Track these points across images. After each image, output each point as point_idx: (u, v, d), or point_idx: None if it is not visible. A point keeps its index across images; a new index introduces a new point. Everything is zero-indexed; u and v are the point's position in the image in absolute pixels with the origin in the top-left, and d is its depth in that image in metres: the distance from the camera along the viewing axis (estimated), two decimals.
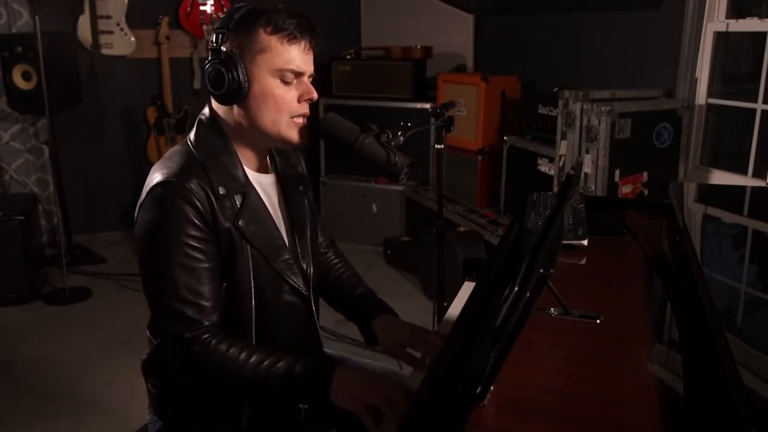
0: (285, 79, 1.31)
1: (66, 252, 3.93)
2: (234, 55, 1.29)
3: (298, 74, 1.33)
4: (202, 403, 1.42)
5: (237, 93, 1.30)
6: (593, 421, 1.00)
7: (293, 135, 1.36)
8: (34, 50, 3.54)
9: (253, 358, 1.27)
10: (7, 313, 3.55)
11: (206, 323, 1.28)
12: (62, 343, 3.23)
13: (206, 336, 1.28)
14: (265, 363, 1.27)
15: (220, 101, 1.33)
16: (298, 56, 1.31)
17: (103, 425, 2.58)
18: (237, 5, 1.33)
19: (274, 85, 1.31)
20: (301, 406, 1.41)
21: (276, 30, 1.29)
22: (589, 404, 1.04)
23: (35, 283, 3.74)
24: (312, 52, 1.34)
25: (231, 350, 1.28)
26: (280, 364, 1.27)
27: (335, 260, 1.67)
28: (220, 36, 1.29)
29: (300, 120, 1.36)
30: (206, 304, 1.29)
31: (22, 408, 2.70)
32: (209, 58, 1.30)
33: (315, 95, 1.36)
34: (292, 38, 1.30)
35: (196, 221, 1.27)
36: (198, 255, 1.28)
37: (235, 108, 1.34)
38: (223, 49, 1.29)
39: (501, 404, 1.03)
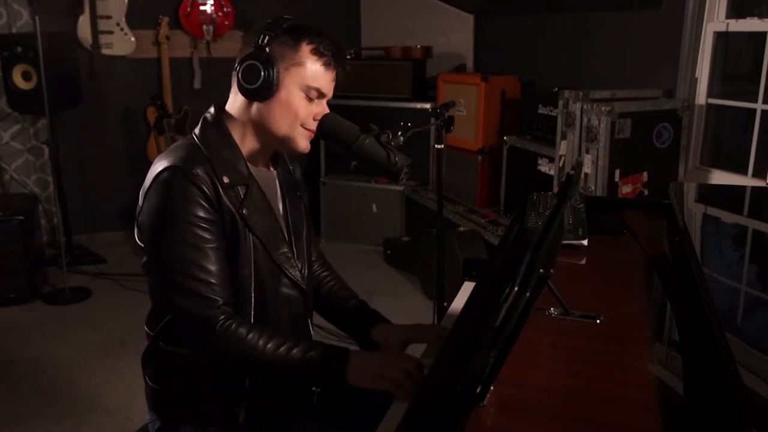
0: (309, 95, 1.39)
1: (66, 252, 3.94)
2: (274, 58, 1.35)
3: (321, 95, 1.41)
4: (199, 397, 1.44)
5: (264, 92, 1.36)
6: (593, 421, 1.00)
7: (302, 143, 1.44)
8: (34, 50, 3.54)
9: (270, 344, 1.31)
10: (7, 313, 3.55)
11: (221, 301, 1.32)
12: (62, 343, 3.23)
13: (224, 317, 1.31)
14: (282, 348, 1.31)
15: (246, 95, 1.38)
16: (327, 81, 1.40)
17: (103, 425, 2.58)
18: (283, 16, 1.39)
19: (298, 97, 1.39)
20: (313, 389, 1.46)
21: (317, 52, 1.37)
22: (589, 404, 1.04)
23: (35, 283, 3.74)
24: (336, 80, 1.44)
25: (251, 335, 1.31)
26: (296, 349, 1.31)
27: (325, 273, 1.71)
28: (267, 38, 1.35)
29: (310, 131, 1.44)
30: (215, 282, 1.32)
31: (22, 408, 2.70)
32: (252, 53, 1.35)
33: None
34: (328, 64, 1.39)
35: (203, 203, 1.32)
36: (206, 235, 1.32)
37: (255, 105, 1.39)
38: (267, 49, 1.35)
39: (501, 404, 1.03)
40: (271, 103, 1.38)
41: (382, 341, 1.54)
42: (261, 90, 1.35)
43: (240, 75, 1.36)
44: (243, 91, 1.37)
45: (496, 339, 1.01)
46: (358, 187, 4.50)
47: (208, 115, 1.44)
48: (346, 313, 1.63)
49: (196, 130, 1.42)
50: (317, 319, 1.66)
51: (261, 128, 1.41)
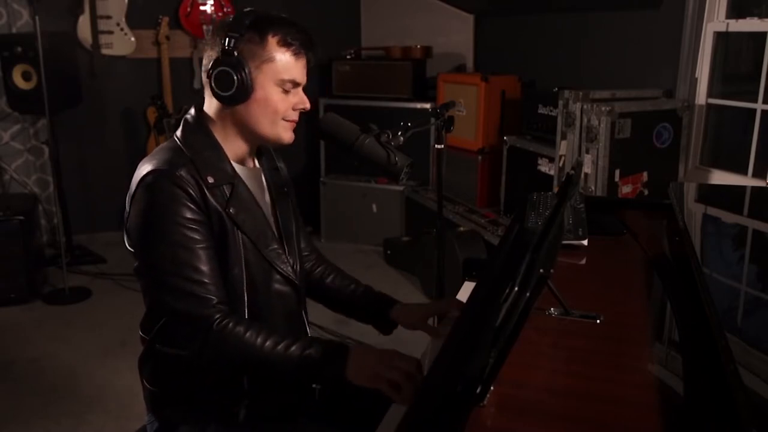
0: (285, 87, 1.38)
1: (66, 252, 3.94)
2: (243, 60, 1.34)
3: (297, 85, 1.40)
4: (197, 397, 1.44)
5: (241, 96, 1.35)
6: (593, 421, 1.00)
7: (286, 135, 1.43)
8: (34, 50, 3.54)
9: (268, 342, 1.30)
10: (7, 313, 3.55)
11: (215, 300, 1.31)
12: (62, 343, 3.23)
13: (220, 316, 1.30)
14: (281, 346, 1.30)
15: (223, 102, 1.37)
16: (299, 69, 1.39)
17: (103, 425, 2.58)
18: (245, 10, 1.37)
19: (275, 92, 1.38)
20: (314, 386, 1.48)
21: (284, 43, 1.36)
22: (589, 404, 1.04)
23: (35, 283, 3.74)
24: (308, 66, 1.42)
25: (248, 333, 1.30)
26: (294, 347, 1.30)
27: (322, 266, 1.71)
28: (233, 40, 1.33)
29: (292, 122, 1.43)
30: (209, 281, 1.32)
31: (22, 408, 2.70)
32: (220, 58, 1.34)
33: (308, 105, 1.43)
34: (297, 53, 1.37)
35: (189, 204, 1.32)
36: (195, 236, 1.32)
37: (233, 109, 1.38)
38: (235, 53, 1.33)
39: (501, 404, 1.03)
40: (249, 104, 1.37)
41: (402, 320, 1.59)
42: (237, 95, 1.35)
43: (213, 83, 1.35)
44: (219, 98, 1.36)
45: (496, 339, 1.01)
46: (358, 187, 4.50)
47: (188, 116, 1.44)
48: (356, 302, 1.64)
49: (178, 133, 1.42)
50: (315, 317, 1.66)
51: (243, 128, 1.41)
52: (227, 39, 1.33)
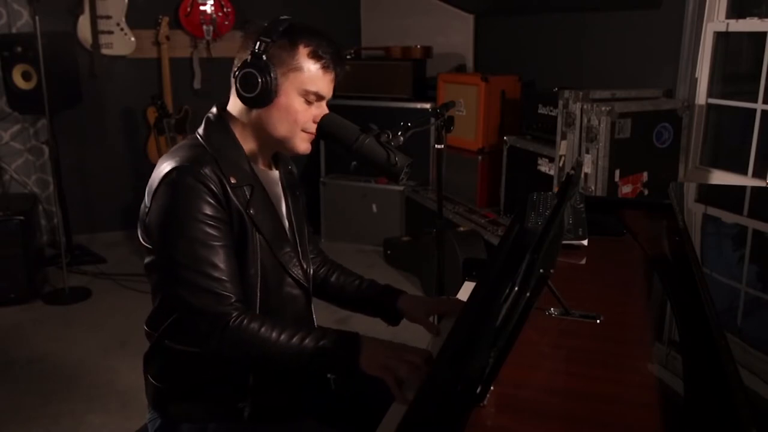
0: (308, 99, 1.40)
1: (66, 252, 3.93)
2: (271, 64, 1.35)
3: (321, 98, 1.42)
4: (202, 394, 1.44)
5: (263, 100, 1.37)
6: (593, 421, 1.00)
7: (302, 145, 1.45)
8: (34, 50, 3.54)
9: (284, 335, 1.32)
10: (7, 313, 3.55)
11: (233, 298, 1.32)
12: (62, 343, 3.23)
13: (236, 313, 1.31)
14: (295, 339, 1.31)
15: (245, 103, 1.39)
16: (326, 83, 1.40)
17: (103, 425, 2.58)
18: (282, 17, 1.38)
19: (298, 102, 1.39)
20: (329, 376, 1.51)
21: (314, 55, 1.37)
22: (589, 404, 1.04)
23: (35, 283, 3.74)
24: (335, 81, 1.43)
25: (263, 328, 1.31)
26: (308, 339, 1.31)
27: (326, 265, 1.72)
28: (263, 44, 1.34)
29: (310, 134, 1.45)
30: (227, 279, 1.33)
31: (22, 408, 2.70)
32: (248, 60, 1.35)
33: None
34: (326, 67, 1.38)
35: (212, 201, 1.33)
36: (215, 233, 1.33)
37: (255, 111, 1.40)
38: (264, 57, 1.34)
39: (501, 404, 1.03)
40: (271, 109, 1.38)
41: (409, 311, 1.60)
42: (259, 98, 1.36)
43: (238, 83, 1.36)
44: (242, 98, 1.38)
45: (496, 339, 1.01)
46: (358, 187, 4.50)
47: (210, 115, 1.45)
48: (363, 296, 1.66)
49: (200, 131, 1.43)
50: (317, 319, 1.66)
51: (261, 131, 1.42)
52: (258, 42, 1.34)
